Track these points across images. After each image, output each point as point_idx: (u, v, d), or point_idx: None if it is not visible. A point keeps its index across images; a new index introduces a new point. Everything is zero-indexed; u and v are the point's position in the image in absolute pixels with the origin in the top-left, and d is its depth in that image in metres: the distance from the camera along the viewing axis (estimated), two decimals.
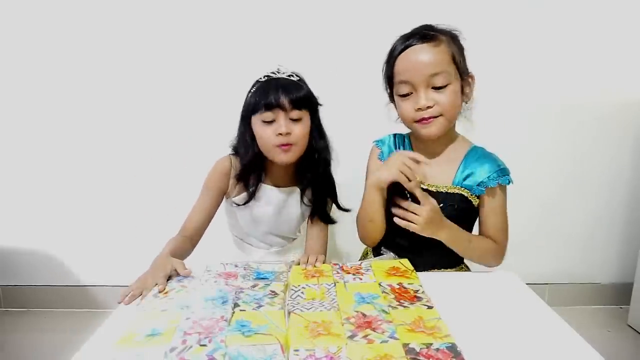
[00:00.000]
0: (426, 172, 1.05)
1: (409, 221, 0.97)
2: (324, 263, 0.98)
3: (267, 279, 0.88)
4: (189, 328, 0.70)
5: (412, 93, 0.99)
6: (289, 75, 1.11)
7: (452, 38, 1.01)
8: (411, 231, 0.98)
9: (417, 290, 0.83)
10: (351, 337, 0.68)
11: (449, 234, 1.00)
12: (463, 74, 1.01)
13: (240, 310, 0.76)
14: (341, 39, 1.71)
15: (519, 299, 0.88)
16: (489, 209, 1.05)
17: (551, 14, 1.71)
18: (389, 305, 0.77)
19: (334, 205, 1.26)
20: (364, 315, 0.74)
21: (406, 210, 0.98)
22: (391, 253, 1.04)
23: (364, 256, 1.22)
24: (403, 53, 0.99)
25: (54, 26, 1.72)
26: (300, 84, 1.10)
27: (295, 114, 1.07)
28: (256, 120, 1.09)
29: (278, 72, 1.11)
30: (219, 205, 1.20)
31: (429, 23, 1.04)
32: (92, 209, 1.89)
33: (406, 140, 1.13)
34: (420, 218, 0.96)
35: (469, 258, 1.09)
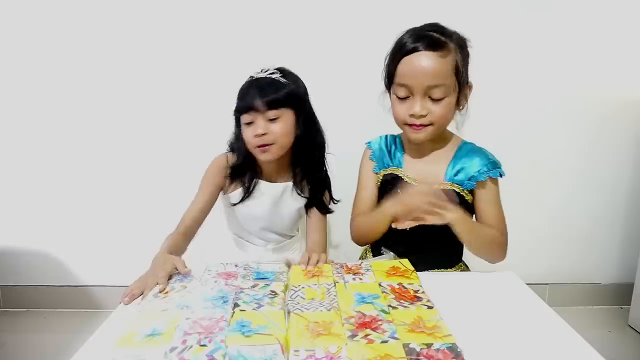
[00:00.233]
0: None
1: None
2: (325, 262, 0.97)
3: (267, 279, 0.88)
4: (189, 328, 0.70)
5: (409, 97, 1.00)
6: (271, 73, 1.12)
7: (460, 46, 1.00)
8: (408, 229, 0.98)
9: (417, 290, 0.83)
10: (351, 337, 0.68)
11: (461, 217, 0.98)
12: (462, 84, 1.01)
13: (241, 310, 0.76)
14: (336, 38, 1.70)
15: (519, 299, 0.88)
16: (484, 201, 1.05)
17: (551, 14, 1.71)
18: (389, 305, 0.77)
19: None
20: (364, 315, 0.74)
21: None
22: (391, 253, 1.04)
23: (363, 256, 1.22)
24: (408, 56, 0.98)
25: (53, 26, 1.72)
26: (279, 82, 1.11)
27: (272, 113, 1.09)
28: (242, 121, 1.13)
29: (261, 72, 1.13)
30: (214, 202, 1.22)
31: (439, 23, 1.02)
32: (92, 209, 1.89)
33: (397, 140, 1.15)
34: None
35: (477, 248, 1.04)
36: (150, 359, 0.64)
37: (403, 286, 0.85)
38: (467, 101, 1.05)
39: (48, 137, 1.83)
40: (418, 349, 0.65)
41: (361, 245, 1.20)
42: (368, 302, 0.78)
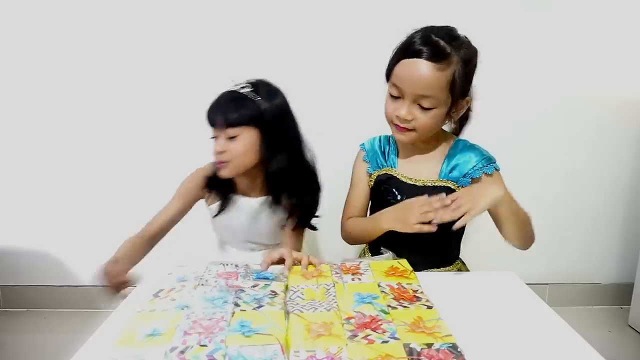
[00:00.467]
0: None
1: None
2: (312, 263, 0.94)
3: (267, 279, 0.88)
4: (189, 328, 0.70)
5: (400, 98, 1.00)
6: (242, 87, 1.08)
7: (465, 60, 0.96)
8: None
9: (416, 290, 0.83)
10: (351, 337, 0.68)
11: (506, 193, 0.95)
12: (458, 97, 0.99)
13: (241, 310, 0.76)
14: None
15: (519, 299, 0.88)
16: None
17: (551, 14, 1.71)
18: (389, 306, 0.77)
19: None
20: (364, 315, 0.74)
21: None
22: (390, 252, 1.04)
23: (362, 255, 1.22)
24: (407, 60, 0.97)
25: (52, 27, 1.72)
26: (246, 98, 1.07)
27: (231, 131, 1.06)
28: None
29: (234, 86, 1.10)
30: (185, 214, 1.21)
31: (454, 30, 0.99)
32: (92, 209, 1.89)
33: (391, 140, 1.16)
34: (463, 200, 0.91)
35: (519, 228, 1.01)
36: (151, 359, 0.64)
37: (402, 286, 0.85)
38: (458, 114, 1.04)
39: (48, 138, 1.83)
40: (419, 349, 0.65)
41: (350, 245, 1.21)
42: (367, 303, 0.78)
